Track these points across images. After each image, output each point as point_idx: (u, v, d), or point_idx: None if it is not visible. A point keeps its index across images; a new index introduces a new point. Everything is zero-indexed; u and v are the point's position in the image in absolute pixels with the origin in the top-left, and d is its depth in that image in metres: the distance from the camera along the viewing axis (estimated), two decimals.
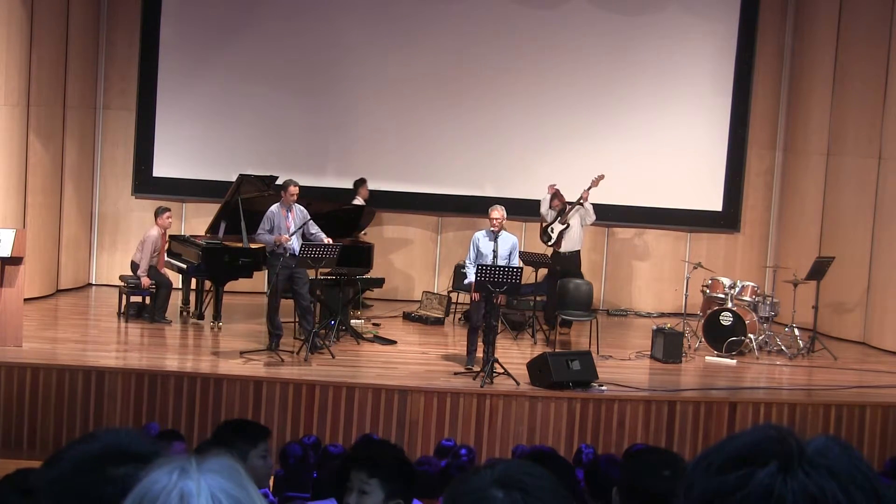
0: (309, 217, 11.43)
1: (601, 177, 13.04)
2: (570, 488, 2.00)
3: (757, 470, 1.54)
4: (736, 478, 1.55)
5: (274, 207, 11.41)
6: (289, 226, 11.29)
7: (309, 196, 12.39)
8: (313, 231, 11.40)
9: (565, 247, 13.07)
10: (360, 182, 13.83)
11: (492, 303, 10.69)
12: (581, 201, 12.99)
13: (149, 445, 1.89)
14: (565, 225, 13.02)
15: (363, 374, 10.77)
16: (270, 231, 11.26)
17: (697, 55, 14.66)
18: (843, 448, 1.57)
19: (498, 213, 11.00)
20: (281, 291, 11.21)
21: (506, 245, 10.94)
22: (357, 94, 14.59)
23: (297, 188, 11.42)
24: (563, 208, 13.09)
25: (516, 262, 10.99)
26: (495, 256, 10.83)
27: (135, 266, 12.52)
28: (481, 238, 11.05)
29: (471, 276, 10.92)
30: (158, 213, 12.65)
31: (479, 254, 10.97)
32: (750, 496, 1.53)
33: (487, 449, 10.00)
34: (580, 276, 13.17)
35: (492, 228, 10.97)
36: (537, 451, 6.47)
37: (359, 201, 13.59)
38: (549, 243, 13.12)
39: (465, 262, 11.38)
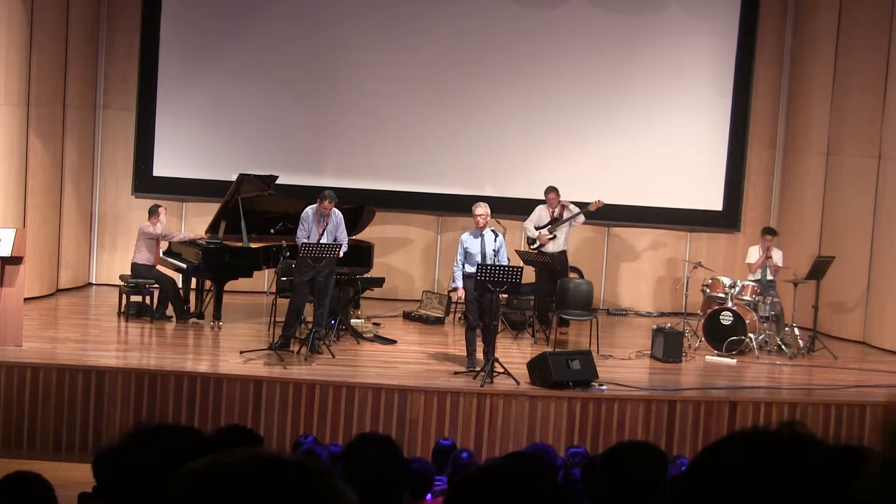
0: (340, 223, 11.49)
1: (600, 203, 13.10)
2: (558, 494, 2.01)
3: None
4: None
5: (309, 210, 11.48)
6: (320, 230, 11.34)
7: (308, 196, 12.39)
8: (339, 237, 11.48)
9: (551, 247, 13.08)
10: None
11: (488, 302, 10.73)
12: (574, 217, 13.00)
13: None
14: (552, 236, 13.04)
15: (363, 374, 10.77)
16: (307, 235, 11.39)
17: (697, 55, 14.66)
18: None
19: (482, 209, 11.08)
20: (306, 294, 11.27)
21: (491, 243, 10.96)
22: (357, 94, 14.59)
23: (329, 203, 11.37)
24: (555, 218, 13.07)
25: (504, 259, 11.01)
26: (483, 256, 10.88)
27: (138, 267, 12.53)
28: (468, 239, 11.10)
29: (457, 281, 11.07)
30: (152, 211, 12.72)
31: (467, 254, 11.02)
32: None
33: (487, 449, 9.99)
34: (568, 273, 13.18)
35: (477, 227, 11.05)
36: (514, 463, 6.44)
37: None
38: (533, 247, 13.14)
39: (454, 264, 11.34)
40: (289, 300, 11.44)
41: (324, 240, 11.32)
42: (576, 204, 13.20)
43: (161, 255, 12.83)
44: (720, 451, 1.74)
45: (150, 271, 12.52)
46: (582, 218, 13.18)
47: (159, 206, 12.86)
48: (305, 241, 11.28)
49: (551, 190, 13.16)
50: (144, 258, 12.55)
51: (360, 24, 14.49)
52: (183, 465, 1.74)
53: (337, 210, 11.57)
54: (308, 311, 11.74)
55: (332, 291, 11.43)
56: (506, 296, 11.92)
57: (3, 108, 12.63)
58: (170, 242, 12.94)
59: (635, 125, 14.58)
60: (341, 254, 11.37)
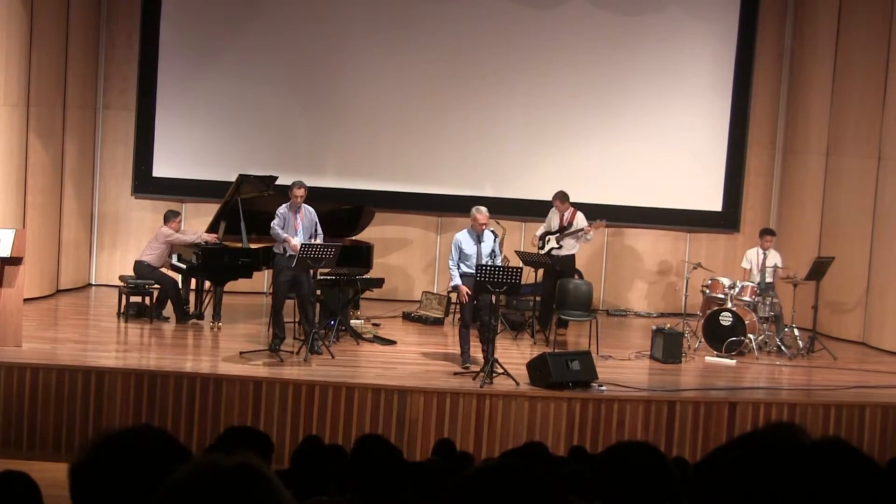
0: (316, 220, 11.44)
1: (601, 224, 13.16)
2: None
3: None
4: None
5: (283, 207, 11.41)
6: (297, 227, 11.30)
7: (310, 196, 12.38)
8: (317, 234, 11.42)
9: (559, 251, 13.07)
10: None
11: (486, 301, 10.76)
12: (583, 231, 13.00)
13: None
14: (559, 246, 13.04)
15: (363, 374, 10.77)
16: (283, 228, 11.28)
17: (697, 55, 14.67)
18: None
19: (484, 215, 11.12)
20: (285, 292, 11.24)
21: (488, 244, 11.05)
22: (357, 94, 14.60)
23: (303, 190, 11.33)
24: (563, 227, 13.04)
25: (499, 258, 11.13)
26: (479, 256, 10.94)
27: (142, 266, 12.50)
28: (464, 239, 11.11)
29: (456, 279, 11.04)
30: (170, 216, 12.68)
31: (462, 254, 11.03)
32: None
33: (487, 449, 9.99)
34: (575, 276, 13.17)
35: (477, 229, 11.05)
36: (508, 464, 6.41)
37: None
38: (541, 252, 13.13)
39: (449, 263, 11.31)
40: (275, 301, 11.39)
41: (301, 237, 11.24)
42: (581, 209, 13.18)
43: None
44: (725, 455, 1.74)
45: (153, 272, 12.50)
46: (591, 236, 13.18)
47: (178, 213, 12.86)
48: (278, 230, 11.20)
49: (558, 196, 13.09)
50: (152, 258, 12.51)
51: (360, 26, 14.49)
52: (154, 467, 1.75)
53: (310, 207, 11.49)
54: None
55: (312, 289, 11.31)
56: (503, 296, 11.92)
57: (3, 108, 12.63)
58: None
59: (635, 126, 14.59)
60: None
